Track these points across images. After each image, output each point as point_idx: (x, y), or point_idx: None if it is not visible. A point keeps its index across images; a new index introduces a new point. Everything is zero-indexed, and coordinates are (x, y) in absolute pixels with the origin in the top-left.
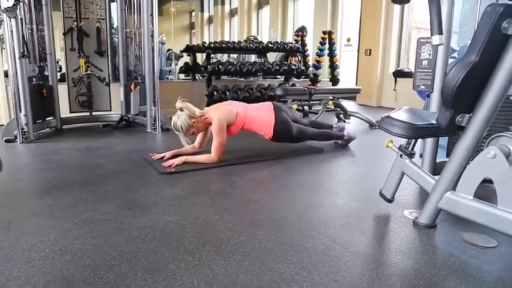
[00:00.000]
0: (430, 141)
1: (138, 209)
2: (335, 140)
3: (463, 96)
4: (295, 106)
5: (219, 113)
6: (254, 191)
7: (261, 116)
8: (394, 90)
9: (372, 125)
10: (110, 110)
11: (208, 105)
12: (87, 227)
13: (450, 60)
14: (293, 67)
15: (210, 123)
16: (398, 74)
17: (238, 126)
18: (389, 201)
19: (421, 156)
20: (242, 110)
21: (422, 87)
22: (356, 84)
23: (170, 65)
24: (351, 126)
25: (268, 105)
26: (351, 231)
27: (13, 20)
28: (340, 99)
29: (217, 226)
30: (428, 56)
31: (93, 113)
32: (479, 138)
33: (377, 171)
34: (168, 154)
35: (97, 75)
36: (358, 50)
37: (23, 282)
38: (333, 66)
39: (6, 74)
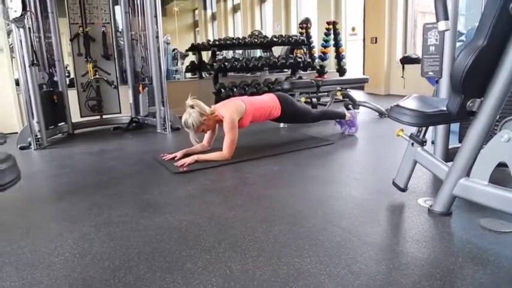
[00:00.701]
0: (441, 127)
1: (152, 210)
2: (337, 120)
3: (473, 81)
4: (303, 99)
5: (230, 109)
6: (266, 187)
7: (265, 101)
8: (402, 77)
9: (381, 114)
10: (120, 113)
11: (216, 102)
12: (104, 229)
13: (458, 44)
14: (299, 60)
15: (220, 121)
16: (406, 60)
17: (248, 117)
18: (403, 190)
19: (432, 143)
20: (248, 102)
21: (431, 73)
22: (363, 73)
23: (176, 65)
24: (361, 116)
25: (270, 94)
26: (366, 223)
27: (21, 30)
28: (348, 90)
29: (232, 223)
30: (435, 42)
31: (104, 117)
32: (491, 122)
33: (389, 161)
34: (179, 154)
35: (105, 78)
36: (364, 39)
37: (46, 286)
38: (339, 57)
39: (17, 83)
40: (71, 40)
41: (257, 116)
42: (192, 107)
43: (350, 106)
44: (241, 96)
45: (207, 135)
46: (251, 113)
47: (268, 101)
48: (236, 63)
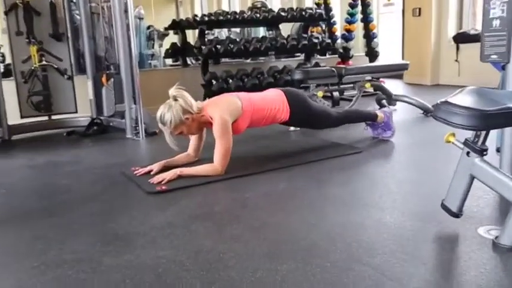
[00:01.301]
0: (509, 131)
1: (120, 244)
2: (367, 123)
3: None
4: (320, 93)
5: (220, 108)
6: (271, 211)
7: (268, 99)
8: (456, 61)
9: (426, 112)
10: (76, 112)
11: (206, 98)
12: (52, 272)
13: None
14: (315, 41)
15: (207, 122)
16: (462, 38)
17: (245, 120)
18: (456, 215)
19: (498, 151)
20: (245, 100)
21: (494, 56)
22: (402, 57)
23: (152, 47)
24: (398, 114)
25: (276, 90)
26: (406, 260)
27: None
28: (381, 80)
29: (226, 261)
30: (501, 14)
31: (53, 117)
32: None
33: (436, 176)
34: (156, 167)
35: (55, 66)
36: (403, 11)
37: None
38: (369, 36)
39: None
40: (6, 13)
41: (257, 119)
42: (175, 98)
43: (384, 102)
44: (236, 92)
45: (193, 142)
46: (249, 115)
47: (273, 100)
48: (232, 46)
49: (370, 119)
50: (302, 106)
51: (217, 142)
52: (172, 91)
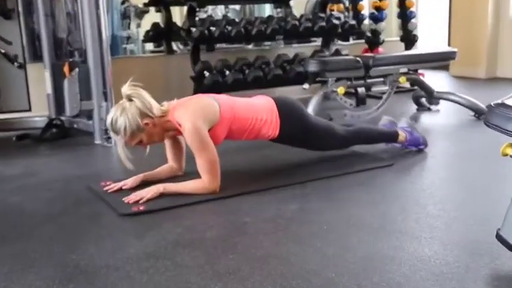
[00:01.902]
0: None
1: (84, 280)
2: (390, 144)
3: None
4: (341, 89)
5: (191, 112)
6: (277, 239)
7: (254, 107)
8: None
9: (478, 114)
10: (29, 111)
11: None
12: None
13: None
14: (336, 22)
15: (175, 130)
16: None
17: (221, 129)
18: None
19: None
20: (223, 103)
21: None
22: (448, 43)
23: (128, 28)
24: (440, 117)
25: (265, 97)
26: None
27: None
28: (420, 72)
29: None
30: None
31: (0, 117)
32: None
33: (488, 197)
34: (131, 181)
35: (2, 51)
36: None
37: None
38: (405, 15)
39: None
40: None
41: (237, 130)
42: (129, 98)
43: (423, 101)
44: (215, 94)
45: (169, 151)
46: (227, 123)
47: (260, 109)
48: (229, 27)
49: (388, 139)
50: (297, 120)
51: (197, 157)
52: (125, 89)
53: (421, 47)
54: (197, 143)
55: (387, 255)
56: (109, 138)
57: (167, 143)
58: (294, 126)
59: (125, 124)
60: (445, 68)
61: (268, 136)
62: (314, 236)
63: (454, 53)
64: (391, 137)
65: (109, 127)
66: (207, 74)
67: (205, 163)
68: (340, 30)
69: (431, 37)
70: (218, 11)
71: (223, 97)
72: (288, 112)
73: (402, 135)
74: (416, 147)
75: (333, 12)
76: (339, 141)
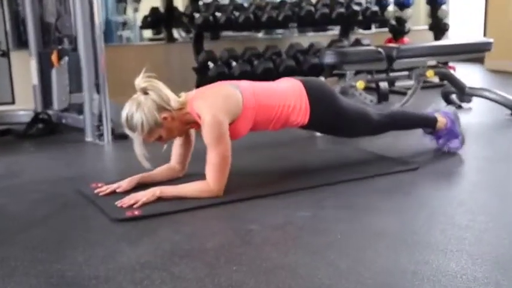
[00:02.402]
0: None
1: None
2: (427, 132)
3: None
4: (361, 84)
5: (212, 102)
6: (285, 249)
7: (280, 91)
8: None
9: None
10: (13, 103)
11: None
12: None
13: None
14: (356, 8)
15: (194, 123)
16: None
17: (245, 122)
18: None
19: None
20: (246, 91)
21: None
22: (484, 33)
23: (124, 12)
24: (473, 115)
25: (291, 80)
26: None
27: None
28: (450, 65)
29: None
30: None
31: None
32: None
33: None
34: (126, 183)
35: None
36: None
37: None
38: (435, 1)
39: None
40: None
41: (262, 121)
42: (145, 91)
43: (453, 97)
44: (236, 81)
45: (176, 150)
46: (251, 114)
47: (286, 94)
48: (237, 13)
49: (426, 124)
50: (328, 104)
51: (210, 151)
52: (139, 81)
53: (452, 37)
54: (214, 136)
55: (408, 269)
56: (101, 135)
57: (178, 139)
58: (325, 111)
59: (142, 120)
60: (480, 60)
61: (297, 124)
62: (327, 247)
63: (489, 44)
64: (429, 122)
65: (124, 124)
66: (211, 65)
67: (217, 157)
68: (360, 17)
69: (464, 26)
70: None
71: (245, 84)
72: (318, 96)
73: (442, 121)
74: (449, 143)
75: None
76: (373, 127)
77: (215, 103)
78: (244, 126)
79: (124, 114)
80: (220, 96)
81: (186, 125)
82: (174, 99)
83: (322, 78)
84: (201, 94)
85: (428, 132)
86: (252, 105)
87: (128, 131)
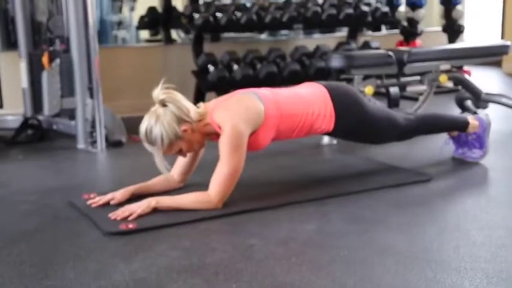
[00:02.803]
0: None
1: None
2: (451, 134)
3: None
4: (369, 89)
5: (234, 113)
6: (289, 265)
7: (303, 98)
8: None
9: None
10: (1, 107)
11: (198, 91)
12: None
13: None
14: (365, 9)
15: (214, 134)
16: None
17: (268, 131)
18: None
19: None
20: (270, 100)
21: None
22: (502, 35)
23: (120, 11)
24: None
25: (314, 85)
26: None
27: None
28: (465, 70)
29: None
30: None
31: None
32: None
33: None
34: (120, 195)
35: None
36: None
37: None
38: (449, 1)
39: None
40: None
41: (285, 130)
42: (163, 103)
43: (468, 103)
44: (254, 88)
45: (181, 160)
46: (274, 123)
47: (310, 100)
48: (239, 14)
49: (456, 128)
50: (355, 111)
51: (222, 161)
52: (157, 93)
53: (467, 40)
54: (230, 147)
55: (420, 287)
56: (94, 142)
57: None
58: (351, 118)
59: (162, 133)
60: (497, 64)
61: (321, 131)
62: (332, 263)
63: (507, 47)
64: (460, 125)
65: (143, 138)
66: (211, 68)
67: (229, 169)
68: (370, 18)
69: (480, 28)
70: None
71: (265, 92)
72: (344, 101)
73: (474, 125)
74: (472, 149)
75: None
76: (401, 132)
77: (237, 113)
78: (266, 136)
79: (143, 128)
80: (241, 105)
81: (207, 137)
82: (193, 111)
83: (344, 83)
84: (221, 104)
85: (455, 136)
86: (274, 114)
87: (147, 146)
